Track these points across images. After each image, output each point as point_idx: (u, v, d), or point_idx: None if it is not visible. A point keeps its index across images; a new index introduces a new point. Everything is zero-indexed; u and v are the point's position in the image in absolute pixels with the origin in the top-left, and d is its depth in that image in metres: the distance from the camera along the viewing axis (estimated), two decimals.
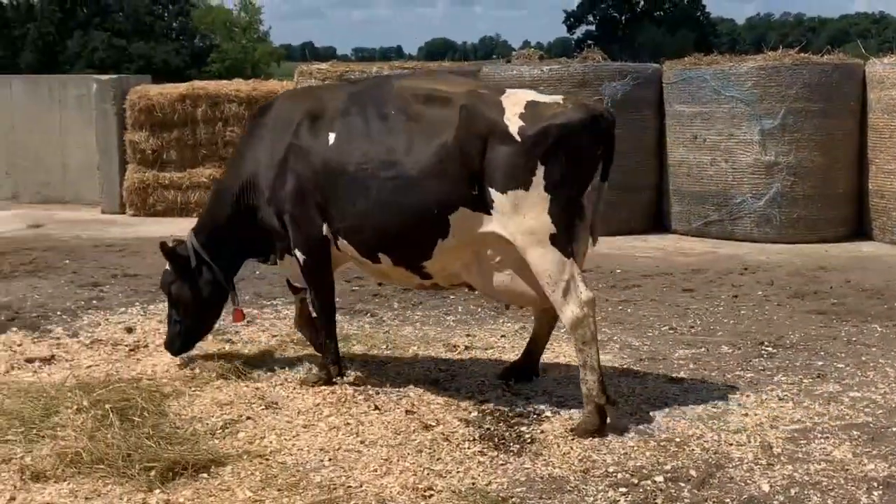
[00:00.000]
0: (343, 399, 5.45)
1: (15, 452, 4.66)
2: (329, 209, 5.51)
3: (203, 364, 6.03)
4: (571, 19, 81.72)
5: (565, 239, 5.06)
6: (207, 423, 5.10)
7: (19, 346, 6.56)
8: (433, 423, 5.10)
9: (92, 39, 58.21)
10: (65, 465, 4.48)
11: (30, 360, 6.23)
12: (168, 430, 4.94)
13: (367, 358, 6.23)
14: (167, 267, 6.08)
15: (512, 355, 6.32)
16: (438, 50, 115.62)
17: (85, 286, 8.38)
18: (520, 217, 5.05)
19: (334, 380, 5.69)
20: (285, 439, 4.90)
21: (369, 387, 5.66)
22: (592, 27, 79.46)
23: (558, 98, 5.26)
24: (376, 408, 5.32)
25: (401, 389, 5.65)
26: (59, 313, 7.46)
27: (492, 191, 5.08)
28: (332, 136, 5.50)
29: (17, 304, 7.71)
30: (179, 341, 6.09)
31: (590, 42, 15.29)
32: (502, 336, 6.81)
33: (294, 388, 5.64)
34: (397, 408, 5.33)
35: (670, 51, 32.37)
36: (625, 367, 6.15)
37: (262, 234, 5.85)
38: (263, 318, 7.34)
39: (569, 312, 5.06)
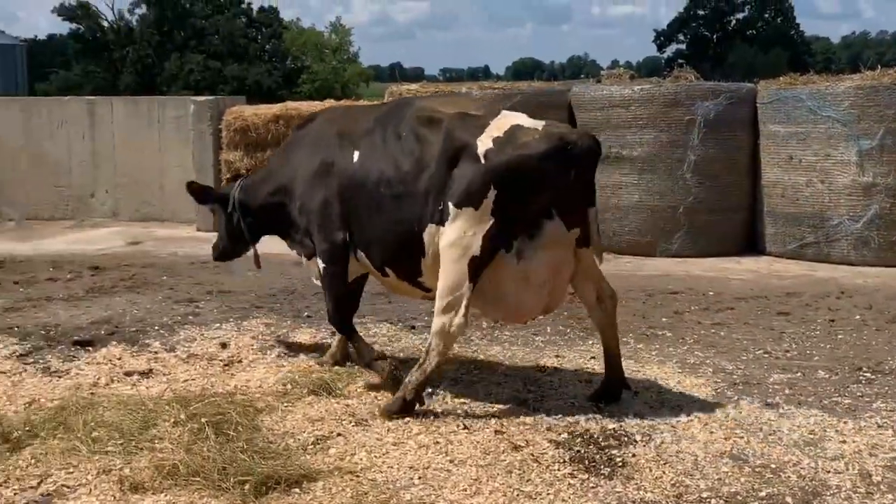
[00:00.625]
0: (432, 418, 5.47)
1: (114, 464, 4.78)
2: (351, 223, 5.90)
3: (295, 380, 6.12)
4: (662, 38, 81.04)
5: (481, 264, 5.29)
6: (299, 439, 5.17)
7: (119, 359, 6.75)
8: (522, 444, 5.08)
9: (188, 61, 59.82)
10: (162, 477, 4.59)
11: (128, 374, 6.40)
12: (261, 444, 5.02)
13: (456, 377, 6.23)
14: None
15: (602, 377, 6.26)
16: (526, 69, 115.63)
17: (181, 302, 8.59)
18: (460, 231, 5.30)
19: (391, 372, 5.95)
20: (375, 456, 4.94)
21: (458, 406, 5.67)
22: (683, 46, 78.69)
23: (541, 123, 5.38)
24: (465, 427, 5.33)
25: (489, 409, 5.64)
26: (156, 328, 7.65)
27: (449, 204, 5.33)
28: (356, 155, 5.87)
29: (116, 319, 7.94)
30: (216, 253, 7.05)
31: (680, 61, 15.12)
32: (592, 358, 6.75)
33: (379, 405, 5.67)
34: (486, 428, 5.32)
35: (763, 70, 31.84)
36: (718, 391, 6.04)
37: (282, 224, 6.40)
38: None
39: (440, 322, 5.39)
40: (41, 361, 6.69)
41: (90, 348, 7.02)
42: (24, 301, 8.68)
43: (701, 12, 78.48)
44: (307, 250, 6.27)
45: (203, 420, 5.20)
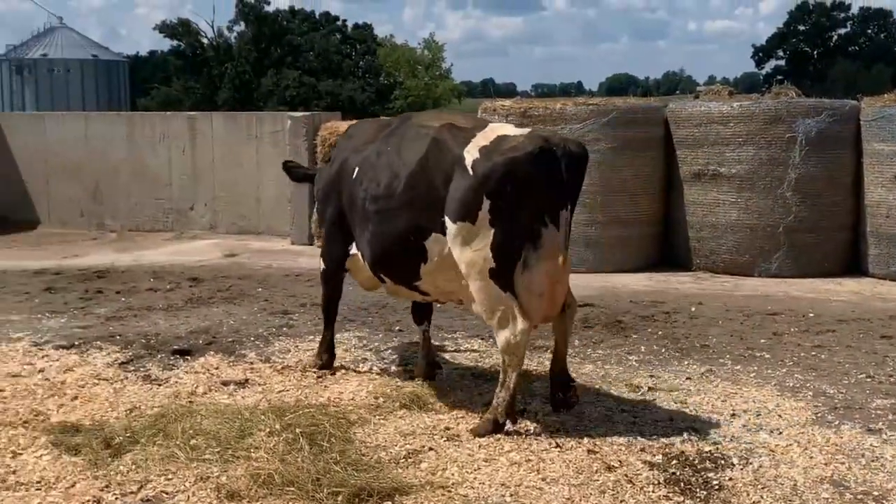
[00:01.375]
0: (524, 435, 5.44)
1: (212, 471, 4.87)
2: (353, 233, 6.35)
3: (387, 393, 6.15)
4: (760, 54, 79.57)
5: (504, 272, 5.35)
6: (391, 452, 5.18)
7: (216, 368, 6.89)
8: (616, 465, 5.02)
9: (284, 78, 60.94)
10: (258, 486, 4.65)
11: (225, 383, 6.52)
12: (354, 456, 5.05)
13: (548, 395, 6.17)
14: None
15: (697, 398, 6.16)
16: (620, 85, 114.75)
17: (276, 314, 8.72)
18: (466, 248, 5.41)
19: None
20: (467, 472, 4.92)
21: (550, 424, 5.62)
22: (782, 62, 77.12)
23: (526, 130, 5.55)
24: (557, 445, 5.28)
25: (582, 428, 5.58)
26: (252, 339, 7.78)
27: (447, 220, 5.48)
28: (356, 170, 6.22)
29: (214, 329, 8.10)
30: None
31: (780, 77, 14.80)
32: (687, 378, 6.64)
33: (475, 421, 5.66)
34: (579, 447, 5.27)
35: (865, 86, 30.98)
36: (818, 415, 5.87)
37: None
38: (444, 350, 7.40)
39: (502, 337, 5.39)
40: (142, 369, 6.86)
41: (189, 357, 7.17)
42: (126, 310, 8.92)
43: (801, 27, 76.87)
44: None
45: (297, 430, 5.26)
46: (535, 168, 5.28)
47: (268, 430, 5.32)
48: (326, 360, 6.85)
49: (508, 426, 5.50)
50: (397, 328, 8.12)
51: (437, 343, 7.55)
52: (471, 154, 5.41)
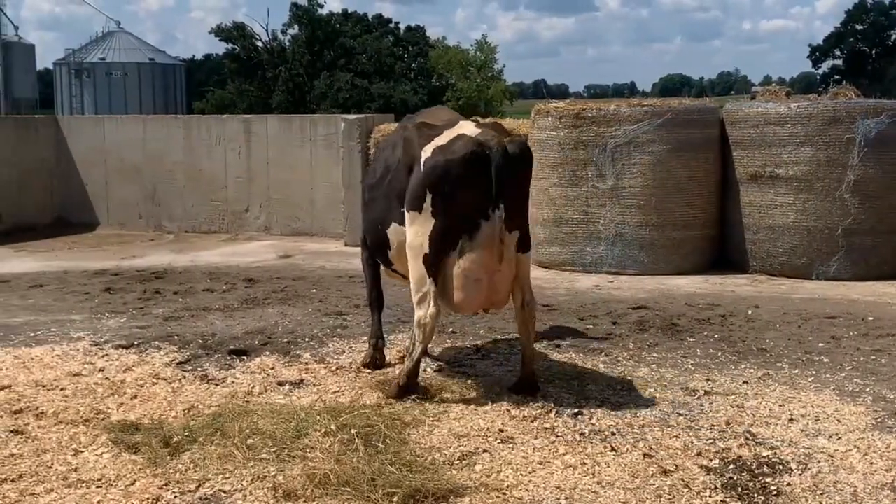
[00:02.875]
0: (578, 438, 5.42)
1: (268, 471, 4.92)
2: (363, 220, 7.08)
3: (441, 395, 6.17)
4: (817, 53, 78.32)
5: (435, 259, 5.95)
6: (445, 454, 5.19)
7: (272, 369, 6.95)
8: (672, 469, 4.97)
9: (337, 80, 61.30)
10: (314, 486, 4.69)
11: (281, 383, 6.58)
12: (409, 457, 5.06)
13: (602, 399, 6.15)
14: None
15: (755, 402, 6.09)
16: (674, 86, 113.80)
17: (330, 315, 8.78)
18: (412, 234, 6.06)
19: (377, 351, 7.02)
20: (521, 475, 4.91)
21: (605, 428, 5.59)
22: (839, 61, 75.82)
23: (478, 132, 6.03)
24: (612, 449, 5.25)
25: (637, 432, 5.54)
26: (307, 339, 7.84)
27: (403, 210, 6.15)
28: (372, 166, 7.07)
29: (269, 330, 8.18)
30: None
31: (837, 77, 14.56)
32: (744, 382, 6.56)
33: (529, 424, 5.66)
34: (634, 450, 5.24)
35: None
36: (878, 420, 5.77)
37: None
38: (498, 352, 7.40)
39: (418, 315, 6.03)
40: (199, 369, 6.95)
41: (245, 358, 7.25)
42: (183, 311, 9.04)
43: (859, 27, 75.50)
44: None
45: (353, 431, 5.30)
46: (468, 169, 5.80)
47: (323, 430, 5.36)
48: (372, 346, 7.13)
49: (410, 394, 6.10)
50: (451, 330, 8.13)
51: (489, 346, 7.56)
52: (425, 153, 6.04)
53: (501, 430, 5.56)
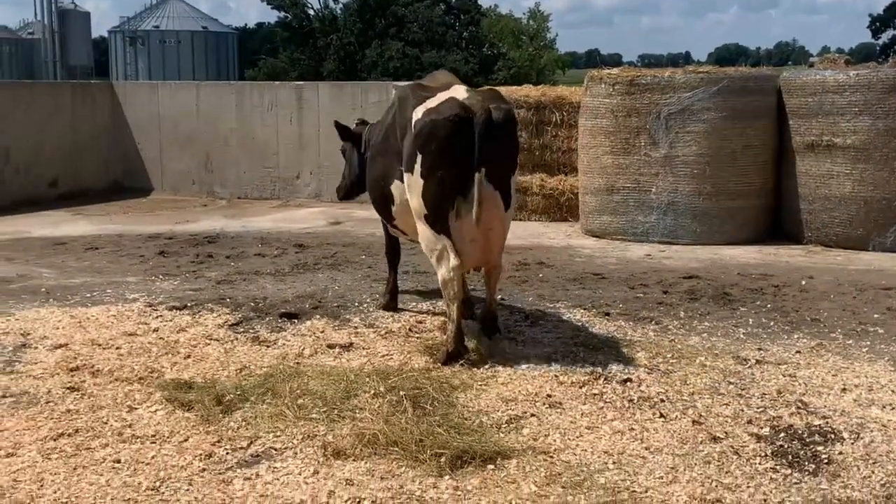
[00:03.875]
0: (627, 404, 5.40)
1: (318, 430, 4.98)
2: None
3: (490, 360, 6.18)
4: (877, 24, 76.47)
5: (436, 218, 6.14)
6: (493, 417, 5.21)
7: (322, 332, 7.01)
8: (721, 436, 4.94)
9: (388, 49, 61.16)
10: (363, 445, 4.74)
11: (331, 346, 6.64)
12: (456, 420, 5.09)
13: (652, 366, 6.12)
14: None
15: (807, 372, 6.02)
16: (730, 56, 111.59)
17: (380, 280, 8.79)
18: (411, 195, 6.29)
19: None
20: (569, 439, 4.92)
21: (654, 395, 5.57)
22: None
23: (466, 95, 6.21)
24: (661, 415, 5.23)
25: (687, 399, 5.51)
26: (356, 304, 7.90)
27: (400, 170, 6.44)
28: (379, 127, 7.24)
29: (319, 295, 8.24)
30: (342, 193, 8.47)
31: None
32: (797, 352, 6.48)
33: (577, 389, 5.65)
34: (683, 417, 5.21)
35: None
36: None
37: None
38: (547, 320, 7.39)
39: (439, 274, 6.21)
40: (251, 331, 7.04)
41: (295, 321, 7.32)
42: (235, 274, 9.14)
43: None
44: None
45: (401, 393, 5.35)
46: (451, 131, 6.01)
47: (372, 392, 5.41)
48: (387, 301, 7.67)
49: (463, 355, 6.18)
50: (500, 297, 8.10)
51: (537, 314, 7.55)
52: (416, 114, 6.26)
53: (549, 396, 5.56)
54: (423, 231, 6.28)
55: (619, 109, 10.83)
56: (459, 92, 6.32)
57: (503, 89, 13.44)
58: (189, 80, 48.41)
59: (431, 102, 6.26)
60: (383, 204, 6.95)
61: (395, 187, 6.69)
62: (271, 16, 79.58)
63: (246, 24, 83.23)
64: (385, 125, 6.95)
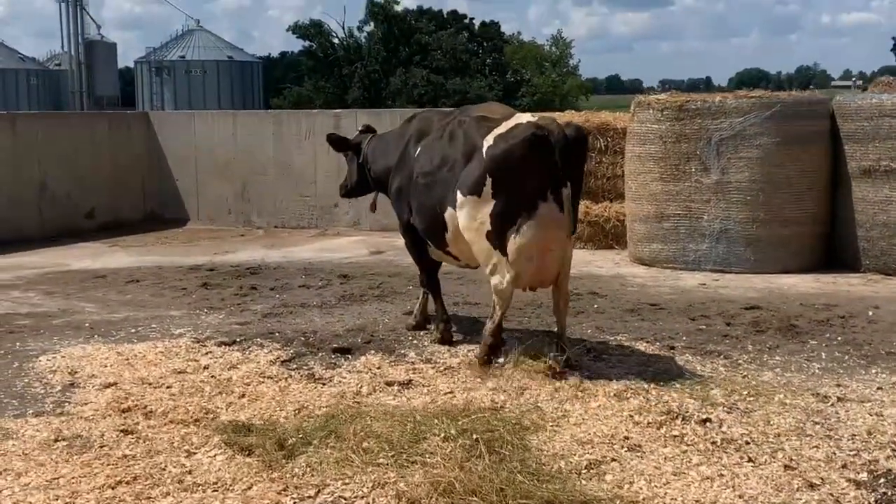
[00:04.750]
0: (711, 447, 5.12)
1: (388, 477, 4.71)
2: (411, 204, 7.21)
3: (557, 396, 5.91)
4: None
5: (497, 235, 6.34)
6: (571, 462, 4.93)
7: (378, 368, 6.76)
8: (818, 482, 4.65)
9: (412, 76, 61.30)
10: (438, 494, 4.47)
11: (389, 384, 6.39)
12: (534, 466, 4.82)
13: (731, 405, 5.82)
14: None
15: (893, 410, 5.71)
16: (751, 80, 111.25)
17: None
18: (471, 214, 6.44)
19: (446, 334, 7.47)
20: (656, 486, 4.64)
21: (738, 436, 5.28)
22: None
23: (532, 119, 6.38)
24: (750, 459, 4.94)
25: (773, 441, 5.22)
26: (409, 337, 7.66)
27: (458, 194, 6.51)
28: (418, 151, 7.18)
29: (370, 328, 8.00)
30: (343, 191, 8.68)
31: None
32: (879, 388, 6.17)
33: (655, 431, 5.36)
34: (773, 461, 4.92)
35: None
36: None
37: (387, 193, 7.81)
38: (610, 353, 7.11)
39: (494, 282, 6.46)
40: (305, 368, 6.80)
41: (349, 356, 7.08)
42: (281, 307, 8.93)
43: None
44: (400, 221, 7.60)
45: (474, 436, 5.07)
46: (529, 151, 6.17)
47: (442, 434, 5.14)
48: (442, 331, 7.50)
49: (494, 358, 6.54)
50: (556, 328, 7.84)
51: (601, 345, 7.28)
52: (487, 141, 6.38)
53: (627, 437, 5.28)
54: (482, 246, 6.46)
55: (669, 135, 10.58)
56: (525, 117, 6.48)
57: (544, 117, 13.29)
58: (214, 108, 48.63)
59: (500, 129, 6.39)
60: (437, 231, 6.94)
61: (450, 215, 6.71)
62: (295, 45, 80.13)
63: (270, 54, 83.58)
64: (441, 154, 6.86)
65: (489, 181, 6.29)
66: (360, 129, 8.52)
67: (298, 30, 66.94)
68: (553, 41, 72.91)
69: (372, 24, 65.86)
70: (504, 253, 6.34)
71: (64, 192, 14.46)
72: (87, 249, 13.03)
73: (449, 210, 6.69)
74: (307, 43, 67.69)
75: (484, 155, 6.35)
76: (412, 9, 68.49)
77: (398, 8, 66.22)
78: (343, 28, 66.96)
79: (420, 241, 7.37)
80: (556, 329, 6.79)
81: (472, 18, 68.79)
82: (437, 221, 6.87)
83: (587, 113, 13.08)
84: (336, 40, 66.58)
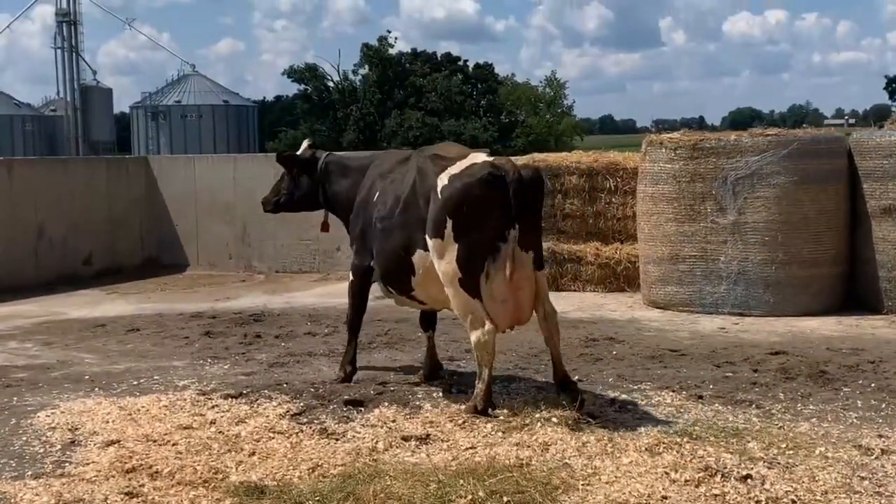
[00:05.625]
0: None
1: None
2: (373, 249, 7.09)
3: (584, 451, 5.59)
4: (893, 84, 76.56)
5: (470, 281, 6.24)
6: None
7: (393, 422, 6.43)
8: None
9: (407, 118, 61.43)
10: None
11: (405, 438, 6.05)
12: None
13: (770, 459, 5.50)
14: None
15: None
16: (744, 119, 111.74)
17: (442, 360, 8.24)
18: (441, 261, 6.34)
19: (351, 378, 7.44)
20: None
21: (783, 494, 4.95)
22: None
23: (488, 159, 6.37)
24: None
25: (821, 499, 4.90)
26: (423, 388, 7.33)
27: (427, 237, 6.42)
28: (376, 194, 7.08)
29: (381, 377, 7.69)
30: (269, 206, 8.41)
31: None
32: None
33: (694, 489, 5.04)
34: None
35: None
36: None
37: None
38: (635, 404, 6.79)
39: (474, 337, 6.32)
40: (316, 422, 6.46)
41: (362, 408, 6.74)
42: (287, 356, 8.62)
43: None
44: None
45: (504, 499, 4.75)
46: (484, 191, 6.19)
47: (470, 496, 4.84)
48: (349, 373, 7.45)
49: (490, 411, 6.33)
50: (576, 377, 7.52)
51: (624, 396, 6.97)
52: (441, 180, 6.35)
53: (665, 497, 4.96)
54: (457, 295, 6.34)
55: (682, 175, 10.35)
56: (480, 157, 6.46)
57: (553, 157, 13.08)
58: (210, 153, 48.50)
59: (455, 169, 6.38)
60: (402, 274, 6.84)
61: (417, 257, 6.65)
62: (289, 88, 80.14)
63: (264, 97, 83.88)
64: (395, 196, 6.83)
65: (449, 222, 6.25)
66: (307, 144, 8.30)
67: (294, 73, 67.24)
68: (547, 82, 73.24)
69: (367, 67, 66.11)
70: (480, 298, 6.27)
71: (62, 236, 14.17)
72: (85, 297, 12.72)
73: (418, 252, 6.60)
74: (302, 86, 67.94)
75: (439, 195, 6.32)
76: (406, 51, 68.87)
77: (392, 51, 66.58)
78: (338, 71, 67.28)
79: (367, 285, 7.43)
80: (568, 378, 6.74)
81: (465, 60, 69.19)
82: (403, 264, 6.76)
83: (596, 153, 12.83)
84: (331, 83, 66.81)
